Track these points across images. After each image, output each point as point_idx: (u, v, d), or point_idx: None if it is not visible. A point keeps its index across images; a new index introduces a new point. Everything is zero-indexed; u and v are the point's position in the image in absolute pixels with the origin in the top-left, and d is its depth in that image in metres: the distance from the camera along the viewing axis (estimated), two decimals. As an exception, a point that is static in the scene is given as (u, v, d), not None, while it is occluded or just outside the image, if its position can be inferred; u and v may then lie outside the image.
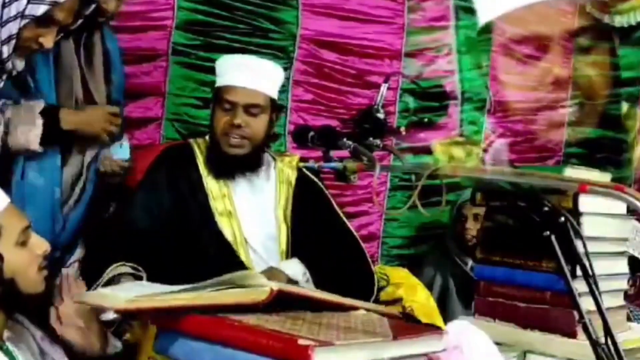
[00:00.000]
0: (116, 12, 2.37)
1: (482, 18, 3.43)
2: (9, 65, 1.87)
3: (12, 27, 1.80)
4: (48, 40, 1.87)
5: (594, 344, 1.45)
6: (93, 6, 1.99)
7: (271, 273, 2.13)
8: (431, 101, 3.73)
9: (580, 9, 4.24)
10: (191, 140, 2.49)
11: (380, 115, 1.63)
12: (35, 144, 2.13)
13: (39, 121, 2.13)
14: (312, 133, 1.68)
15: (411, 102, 3.60)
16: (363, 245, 2.45)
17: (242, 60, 2.46)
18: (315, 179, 2.45)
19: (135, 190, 2.39)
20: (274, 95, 2.41)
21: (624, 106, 4.48)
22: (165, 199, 2.32)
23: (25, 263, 1.52)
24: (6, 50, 1.81)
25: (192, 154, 2.41)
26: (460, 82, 3.79)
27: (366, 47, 3.52)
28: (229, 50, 3.01)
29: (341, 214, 2.46)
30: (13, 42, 1.81)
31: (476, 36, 3.83)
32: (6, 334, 1.55)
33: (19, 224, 1.53)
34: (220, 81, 2.38)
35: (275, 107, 2.43)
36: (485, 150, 1.52)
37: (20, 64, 1.92)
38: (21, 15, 1.79)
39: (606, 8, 4.28)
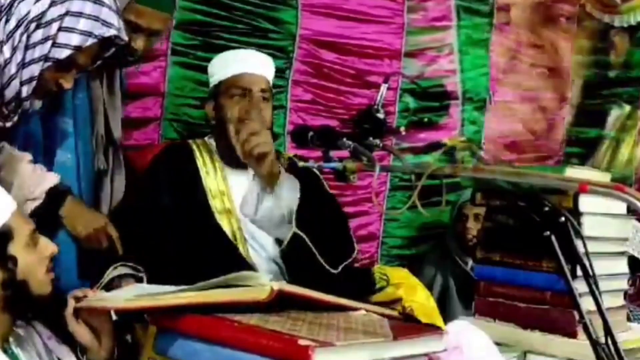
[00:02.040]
0: (145, 51, 2.32)
1: None
2: (27, 104, 1.89)
3: (35, 69, 1.82)
4: (67, 82, 1.91)
5: (594, 344, 1.45)
6: (112, 50, 2.00)
7: None
8: (431, 101, 3.73)
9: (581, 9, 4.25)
10: (190, 141, 2.50)
11: (380, 115, 1.63)
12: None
13: (42, 196, 2.03)
14: (311, 133, 1.68)
15: (411, 102, 3.60)
16: (348, 223, 2.50)
17: (241, 52, 2.57)
18: (317, 173, 2.45)
19: (134, 190, 2.39)
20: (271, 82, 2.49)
21: (626, 107, 4.48)
22: (164, 197, 2.33)
23: (35, 265, 1.53)
24: (25, 90, 1.84)
25: (191, 153, 2.42)
26: (461, 82, 3.79)
27: (365, 47, 3.51)
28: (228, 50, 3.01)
29: (331, 194, 2.49)
30: (34, 83, 1.84)
31: (478, 36, 3.84)
32: (12, 336, 1.55)
33: (27, 226, 1.54)
34: (224, 73, 2.41)
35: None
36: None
37: (37, 104, 1.95)
38: (45, 58, 1.82)
39: (606, 8, 4.28)
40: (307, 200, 2.25)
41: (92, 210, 2.22)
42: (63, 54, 1.83)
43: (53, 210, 2.06)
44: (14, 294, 1.50)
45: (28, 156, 2.05)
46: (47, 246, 1.57)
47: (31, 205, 1.99)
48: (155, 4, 2.24)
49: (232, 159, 2.36)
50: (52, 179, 2.07)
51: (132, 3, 2.18)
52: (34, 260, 1.53)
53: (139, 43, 2.24)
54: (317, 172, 2.46)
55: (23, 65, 1.81)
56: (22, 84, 1.82)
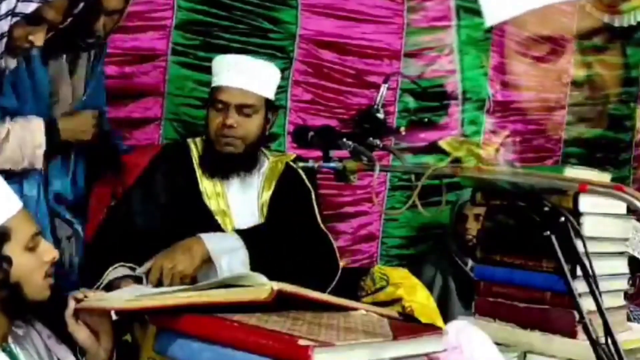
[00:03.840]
0: (107, 32, 2.28)
1: (489, 21, 3.43)
2: (2, 63, 1.88)
3: (3, 25, 1.81)
4: (38, 39, 1.89)
5: (594, 344, 1.45)
6: (82, 5, 1.98)
7: (189, 242, 2.15)
8: (431, 101, 3.73)
9: (581, 10, 4.24)
10: (189, 140, 2.50)
11: (380, 115, 1.63)
12: (39, 163, 2.17)
13: (43, 139, 2.15)
14: (311, 133, 1.68)
15: (411, 102, 3.60)
16: (332, 239, 2.44)
17: (235, 61, 2.46)
18: (301, 171, 2.44)
19: (132, 189, 2.39)
20: (269, 95, 2.41)
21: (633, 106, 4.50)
22: (161, 197, 2.34)
23: (32, 268, 1.52)
24: None
25: (188, 153, 2.43)
26: (461, 82, 3.79)
27: (365, 47, 3.51)
28: (228, 51, 3.01)
29: (316, 208, 2.45)
30: (4, 40, 1.83)
31: (477, 36, 3.83)
32: (11, 335, 1.55)
33: (30, 229, 1.53)
34: (214, 81, 2.40)
35: (271, 107, 2.43)
36: (496, 150, 1.52)
37: (12, 63, 1.93)
38: (12, 13, 1.80)
39: (606, 8, 4.28)
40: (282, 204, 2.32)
41: (75, 112, 2.31)
42: (29, 8, 1.81)
43: (55, 135, 2.20)
44: (9, 295, 1.49)
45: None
46: (49, 251, 1.56)
47: (39, 155, 2.14)
48: None
49: (219, 169, 2.37)
50: (37, 121, 2.16)
51: None
52: (31, 264, 1.52)
53: (99, 23, 2.19)
54: (309, 188, 2.45)
55: None
56: None
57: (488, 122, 3.93)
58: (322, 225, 2.42)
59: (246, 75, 2.35)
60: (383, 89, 1.67)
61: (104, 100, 2.54)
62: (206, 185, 2.36)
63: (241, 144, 2.34)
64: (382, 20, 3.55)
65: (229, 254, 2.16)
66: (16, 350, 1.54)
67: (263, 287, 1.43)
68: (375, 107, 1.63)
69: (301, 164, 2.29)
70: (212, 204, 2.34)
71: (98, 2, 2.15)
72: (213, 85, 2.40)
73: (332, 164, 1.61)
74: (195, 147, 2.44)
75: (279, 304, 1.47)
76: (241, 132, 2.32)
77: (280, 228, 2.31)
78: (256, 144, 2.40)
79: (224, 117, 2.32)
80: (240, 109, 2.32)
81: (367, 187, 3.44)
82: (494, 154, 1.51)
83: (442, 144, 1.51)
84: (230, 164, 2.35)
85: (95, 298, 1.64)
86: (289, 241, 2.27)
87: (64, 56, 2.28)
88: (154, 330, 1.59)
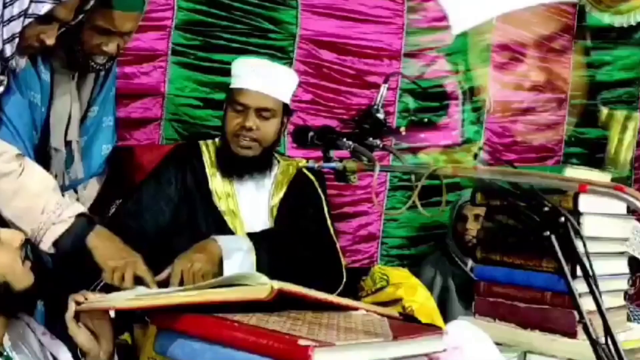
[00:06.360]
0: (119, 53, 2.21)
1: (455, 29, 3.44)
2: (13, 63, 1.87)
3: (15, 26, 1.80)
4: (50, 37, 1.88)
5: (594, 344, 1.45)
6: (92, 2, 1.97)
7: (203, 243, 2.13)
8: (431, 101, 3.73)
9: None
10: (200, 142, 2.52)
11: (380, 116, 1.63)
12: (47, 246, 1.84)
13: (70, 220, 1.87)
14: (311, 133, 1.68)
15: (411, 102, 3.60)
16: (338, 246, 2.44)
17: (257, 64, 2.48)
18: (312, 178, 2.45)
19: (141, 187, 2.40)
20: (287, 100, 2.44)
21: (604, 110, 4.48)
22: (171, 196, 2.35)
23: (10, 261, 1.51)
24: (9, 49, 1.82)
25: (199, 154, 2.44)
26: (461, 82, 3.79)
27: (365, 48, 3.52)
28: (228, 51, 3.02)
29: (327, 214, 2.45)
30: (16, 40, 1.82)
31: (477, 36, 3.84)
32: (7, 338, 1.54)
33: None
34: (234, 83, 2.41)
35: (287, 112, 2.45)
36: (475, 156, 1.52)
37: (22, 62, 1.93)
38: (24, 14, 1.80)
39: (606, 8, 4.28)
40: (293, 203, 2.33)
41: (124, 244, 1.97)
42: (43, 9, 1.80)
43: (80, 237, 1.88)
44: (0, 295, 1.49)
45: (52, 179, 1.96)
46: (14, 236, 1.55)
47: (56, 230, 1.85)
48: (124, 5, 2.10)
49: (234, 170, 2.38)
50: (79, 206, 1.95)
51: (99, 7, 2.05)
52: (7, 257, 1.51)
53: (111, 47, 2.13)
54: (320, 193, 2.46)
55: (2, 23, 1.78)
56: (4, 42, 1.80)
57: (488, 122, 3.93)
58: (332, 233, 2.43)
59: (267, 79, 2.38)
60: (383, 89, 1.68)
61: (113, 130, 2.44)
62: (216, 185, 2.38)
63: (258, 147, 2.37)
64: (382, 21, 3.56)
65: (240, 256, 2.17)
66: (12, 354, 1.53)
67: (263, 286, 1.43)
68: (375, 107, 1.63)
69: (302, 164, 2.29)
70: (221, 204, 2.35)
71: (110, 28, 2.09)
72: (233, 86, 2.41)
73: (332, 164, 1.61)
74: (206, 148, 2.46)
75: (280, 304, 1.47)
76: (259, 135, 2.35)
77: (289, 233, 2.31)
78: (272, 147, 2.43)
79: (244, 119, 2.34)
80: (260, 112, 2.35)
81: (367, 187, 3.44)
82: (472, 158, 1.51)
83: (423, 156, 1.52)
84: (246, 165, 2.38)
85: (97, 299, 1.64)
86: (296, 247, 2.28)
87: (74, 75, 2.22)
88: (155, 330, 1.59)
